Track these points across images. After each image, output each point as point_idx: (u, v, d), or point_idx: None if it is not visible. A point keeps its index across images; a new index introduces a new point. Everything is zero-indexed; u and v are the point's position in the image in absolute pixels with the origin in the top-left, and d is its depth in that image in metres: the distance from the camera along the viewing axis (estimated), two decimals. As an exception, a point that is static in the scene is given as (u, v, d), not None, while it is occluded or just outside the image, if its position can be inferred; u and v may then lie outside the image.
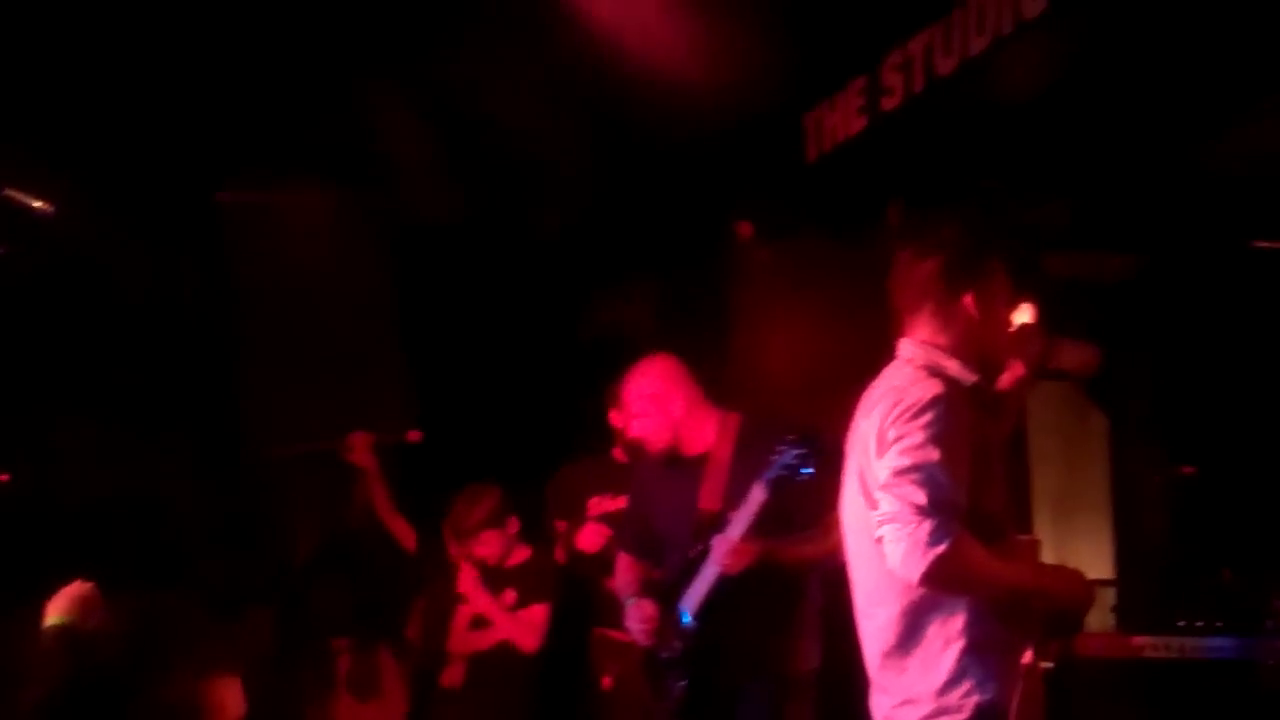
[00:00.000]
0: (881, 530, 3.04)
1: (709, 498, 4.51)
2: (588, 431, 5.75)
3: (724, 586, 4.36)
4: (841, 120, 5.54)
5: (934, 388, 3.12)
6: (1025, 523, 5.90)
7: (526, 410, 6.47)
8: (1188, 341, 6.14)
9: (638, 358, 4.82)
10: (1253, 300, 5.96)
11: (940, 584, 3.02)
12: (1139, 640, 5.23)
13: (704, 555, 4.41)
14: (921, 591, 3.09)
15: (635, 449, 4.95)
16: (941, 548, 2.94)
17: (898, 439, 3.07)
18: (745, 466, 4.43)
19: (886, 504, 3.04)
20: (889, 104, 5.23)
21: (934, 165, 5.31)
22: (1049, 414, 6.45)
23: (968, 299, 3.24)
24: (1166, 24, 4.33)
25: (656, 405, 4.67)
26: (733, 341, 6.09)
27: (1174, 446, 6.18)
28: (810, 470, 4.16)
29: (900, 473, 3.03)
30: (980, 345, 3.27)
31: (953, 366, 3.23)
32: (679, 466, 4.65)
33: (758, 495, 4.24)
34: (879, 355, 5.44)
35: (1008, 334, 3.35)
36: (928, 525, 2.96)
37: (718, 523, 4.42)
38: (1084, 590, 3.25)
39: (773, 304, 5.84)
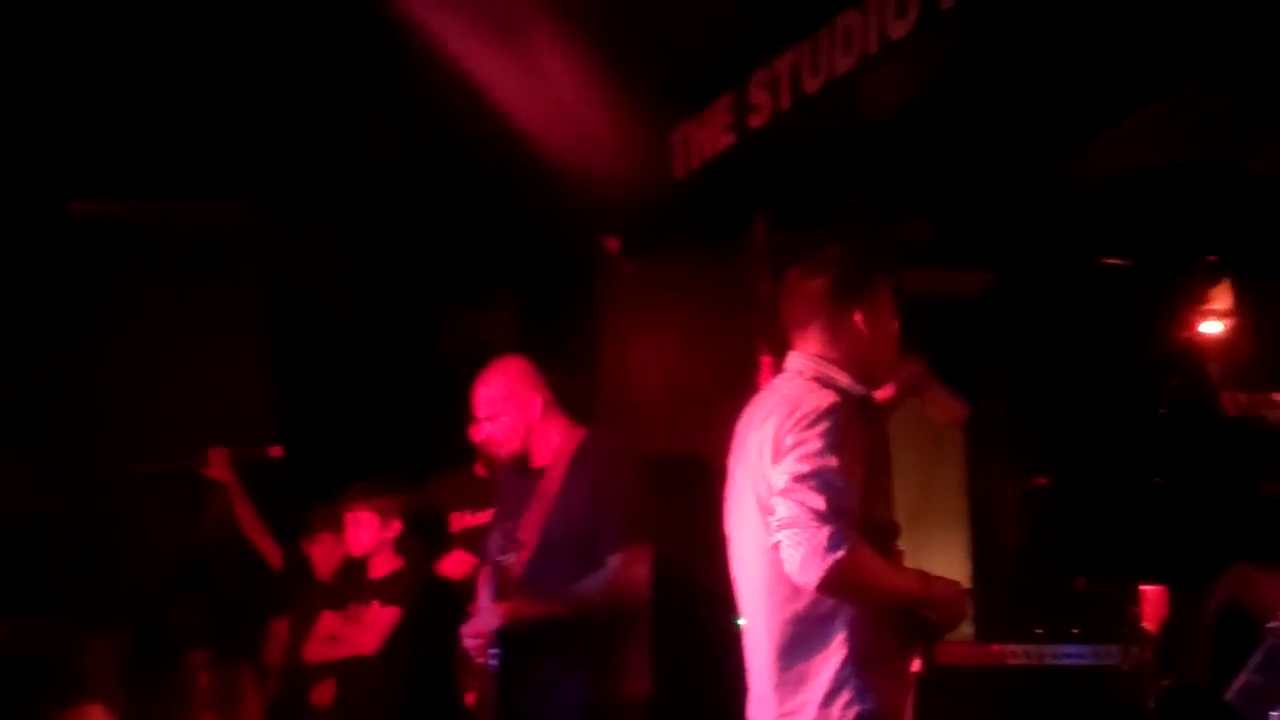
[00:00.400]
0: (779, 535, 3.06)
1: (529, 523, 4.43)
2: (449, 447, 5.70)
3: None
4: (709, 137, 5.58)
5: (829, 397, 3.17)
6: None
7: (390, 426, 6.39)
8: (1040, 355, 6.30)
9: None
10: (1100, 315, 6.14)
11: (837, 590, 3.05)
12: (997, 648, 5.35)
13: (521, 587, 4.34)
14: (805, 601, 3.12)
15: (495, 461, 4.89)
16: (840, 553, 2.97)
17: (795, 445, 3.10)
18: (571, 491, 4.40)
19: (784, 509, 3.06)
20: (756, 121, 5.27)
21: (801, 183, 5.38)
22: (905, 427, 6.55)
23: (858, 316, 3.30)
24: (1025, 48, 4.44)
25: (511, 406, 4.53)
26: (598, 356, 6.09)
27: (1027, 458, 6.33)
28: (509, 557, 4.22)
29: (800, 478, 3.05)
30: (867, 360, 3.33)
31: (843, 378, 3.28)
32: (525, 476, 4.54)
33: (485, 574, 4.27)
34: (744, 368, 5.52)
35: (894, 349, 3.41)
36: (826, 531, 2.98)
37: (535, 553, 4.35)
38: (963, 600, 3.33)
39: (639, 318, 5.85)
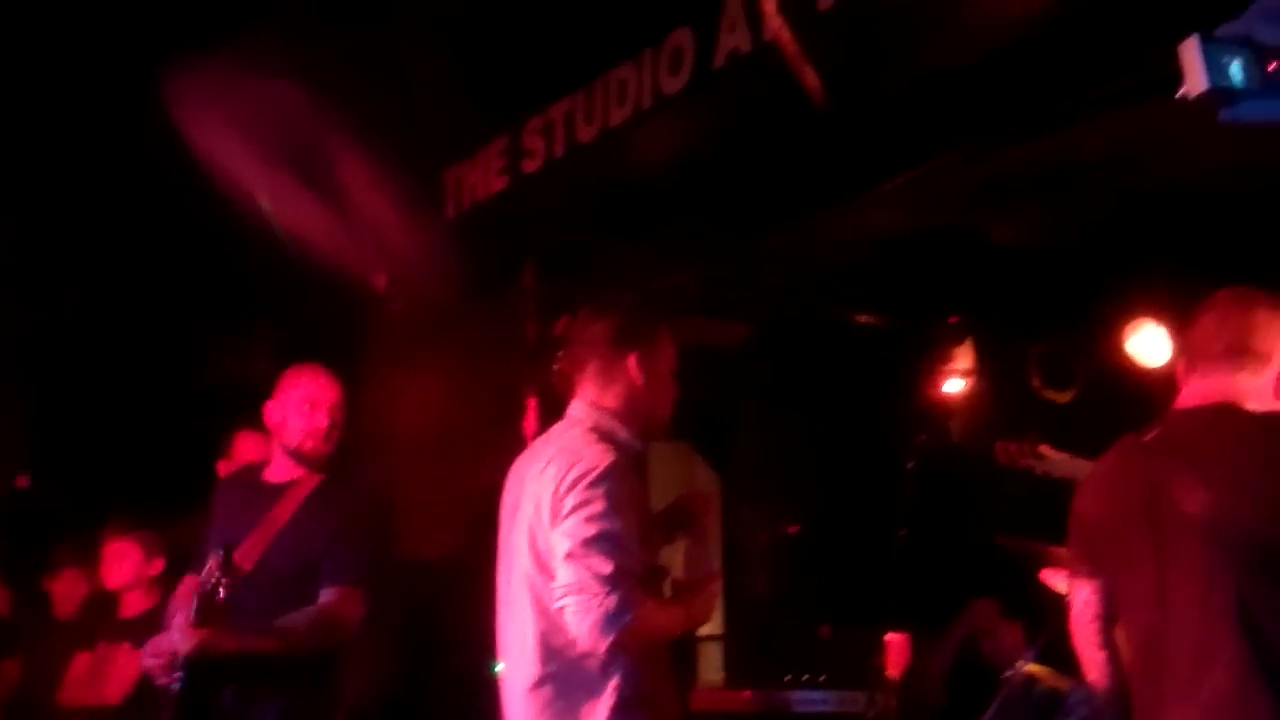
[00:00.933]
0: (564, 601, 3.10)
1: (251, 546, 4.23)
2: (202, 483, 5.53)
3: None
4: (481, 179, 5.60)
5: (608, 454, 3.20)
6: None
7: (142, 461, 6.17)
8: (796, 407, 6.48)
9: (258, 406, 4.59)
10: (853, 370, 6.35)
11: (624, 649, 3.12)
12: (747, 694, 5.46)
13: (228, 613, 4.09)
14: (579, 652, 3.15)
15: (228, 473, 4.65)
16: (628, 618, 3.06)
17: (578, 506, 3.13)
18: (307, 521, 4.27)
19: (568, 574, 3.10)
20: (530, 166, 5.32)
21: (571, 229, 5.44)
22: (661, 471, 6.66)
23: (631, 359, 3.35)
24: (791, 112, 4.59)
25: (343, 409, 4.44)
26: (362, 392, 6.00)
27: (780, 506, 6.50)
28: (219, 581, 3.97)
29: (586, 543, 3.09)
30: (641, 410, 3.37)
31: (622, 432, 3.32)
32: (256, 494, 4.34)
33: (187, 592, 4.07)
34: (510, 411, 5.53)
35: (668, 403, 3.46)
36: (614, 599, 3.05)
37: (247, 581, 4.12)
38: (715, 595, 3.48)
39: (406, 356, 5.80)
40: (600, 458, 3.19)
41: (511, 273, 5.68)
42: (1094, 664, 3.21)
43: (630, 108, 4.82)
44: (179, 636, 4.01)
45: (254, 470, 4.49)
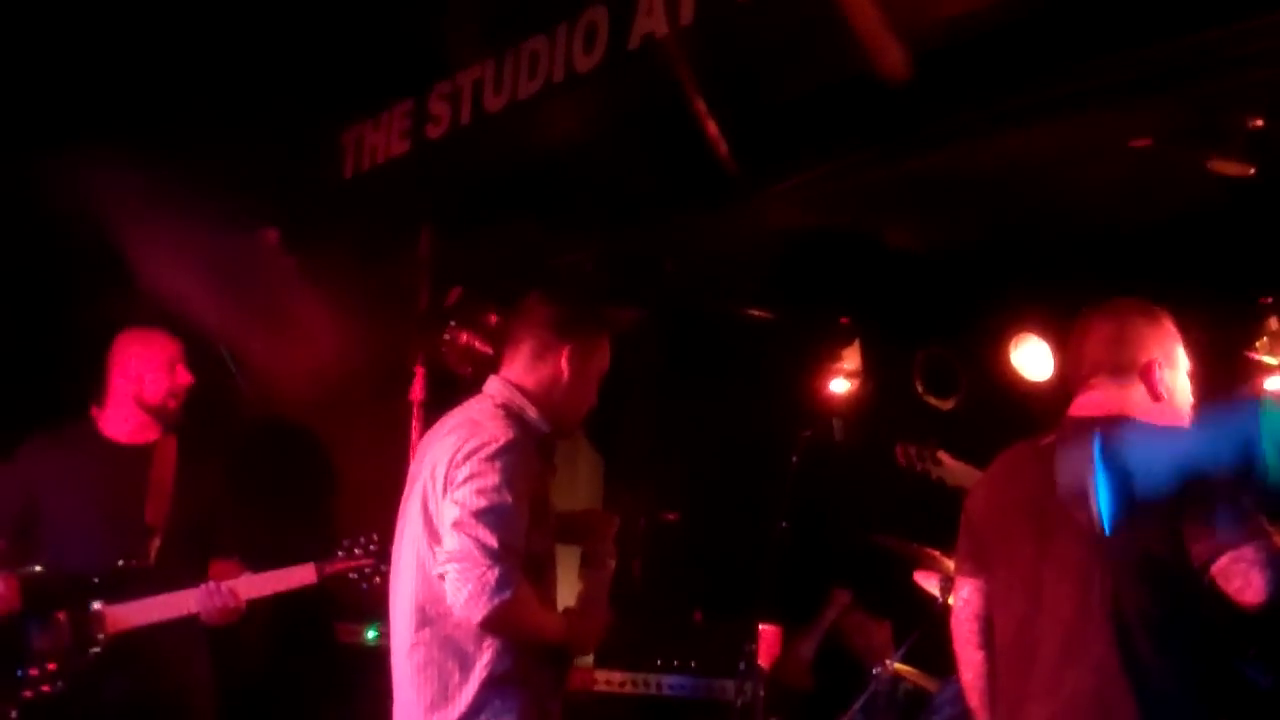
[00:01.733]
0: (445, 568, 3.10)
1: (154, 511, 4.29)
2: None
3: (177, 624, 4.15)
4: (383, 141, 5.51)
5: (508, 431, 3.21)
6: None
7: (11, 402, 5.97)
8: (684, 395, 6.49)
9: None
10: (740, 362, 6.39)
11: (498, 629, 3.13)
12: (617, 675, 5.48)
13: (156, 576, 4.19)
14: (455, 622, 3.14)
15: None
16: (506, 594, 3.06)
17: (471, 477, 3.14)
18: (190, 487, 4.34)
19: (454, 542, 3.09)
20: (434, 132, 5.25)
21: (472, 199, 5.39)
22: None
23: (566, 350, 3.37)
24: (706, 95, 4.57)
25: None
26: (251, 346, 5.89)
27: (662, 492, 6.51)
28: (373, 584, 4.10)
29: (476, 513, 3.09)
30: (559, 402, 3.39)
31: (532, 412, 3.34)
32: (113, 455, 4.37)
33: (303, 576, 4.14)
34: (398, 377, 5.47)
35: (586, 403, 3.49)
36: (496, 572, 3.05)
37: (164, 541, 4.24)
38: (604, 629, 3.48)
39: (295, 313, 5.70)
40: (501, 433, 3.21)
41: (407, 238, 5.62)
42: (970, 663, 3.27)
43: (540, 81, 4.78)
44: (219, 615, 4.11)
45: (82, 429, 4.43)
